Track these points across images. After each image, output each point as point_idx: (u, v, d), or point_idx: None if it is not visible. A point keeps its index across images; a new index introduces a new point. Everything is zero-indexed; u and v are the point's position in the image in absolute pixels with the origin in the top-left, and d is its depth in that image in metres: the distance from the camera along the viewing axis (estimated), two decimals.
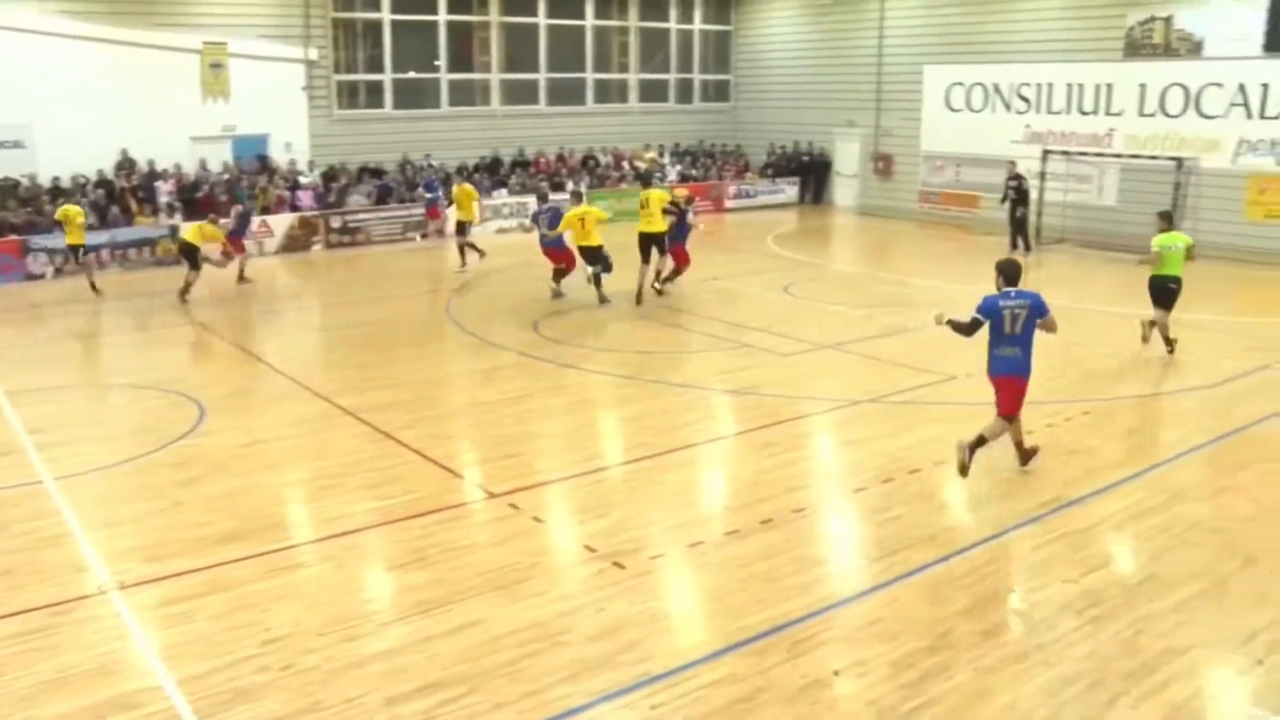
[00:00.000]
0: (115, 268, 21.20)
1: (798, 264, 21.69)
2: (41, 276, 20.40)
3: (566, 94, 31.01)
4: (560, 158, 29.69)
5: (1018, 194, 23.09)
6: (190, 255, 17.97)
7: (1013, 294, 9.23)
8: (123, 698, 6.19)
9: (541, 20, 30.02)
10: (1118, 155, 24.05)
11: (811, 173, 31.85)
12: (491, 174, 27.93)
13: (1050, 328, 9.44)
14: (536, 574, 7.73)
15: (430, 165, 26.86)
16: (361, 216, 24.75)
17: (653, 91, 32.94)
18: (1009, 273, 9.35)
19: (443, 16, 28.14)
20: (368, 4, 27.15)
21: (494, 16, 29.14)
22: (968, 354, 14.14)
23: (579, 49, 31.08)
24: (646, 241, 17.52)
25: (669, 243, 17.76)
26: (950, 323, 9.34)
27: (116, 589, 7.52)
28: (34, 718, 6.01)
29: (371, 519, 8.78)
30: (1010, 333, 9.24)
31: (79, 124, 22.51)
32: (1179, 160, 22.63)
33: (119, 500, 9.34)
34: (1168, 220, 14.48)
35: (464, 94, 29.04)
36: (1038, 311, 9.28)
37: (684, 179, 29.81)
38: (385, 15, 27.23)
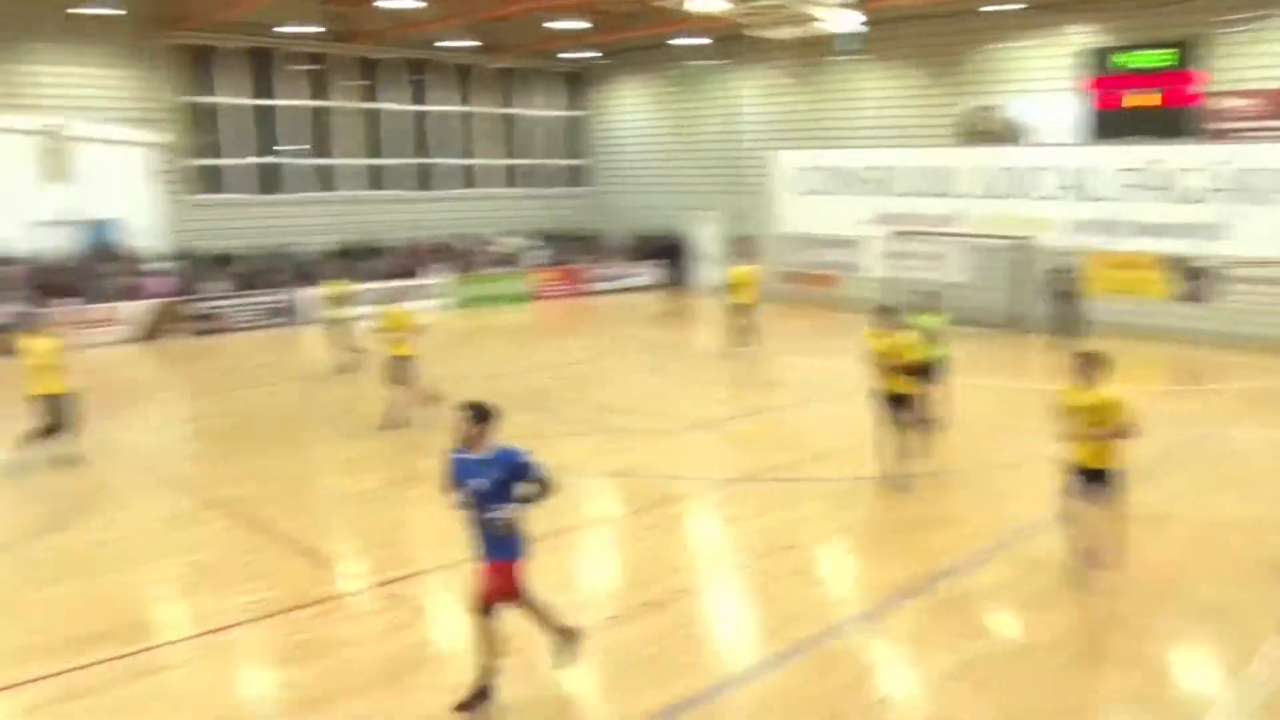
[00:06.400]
0: None
1: (662, 345, 21.99)
2: None
3: (429, 179, 31.10)
4: (424, 244, 29.55)
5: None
6: None
7: None
8: None
9: (403, 107, 30.17)
10: (964, 235, 25.12)
11: (673, 255, 32.40)
12: (365, 259, 27.37)
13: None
14: (424, 665, 7.58)
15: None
16: (220, 303, 24.22)
17: (513, 177, 33.27)
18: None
19: (303, 101, 28.06)
20: (227, 89, 26.88)
21: (354, 102, 29.15)
22: (833, 432, 14.54)
23: (441, 134, 31.27)
24: None
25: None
26: None
27: None
28: None
29: (245, 614, 8.47)
30: None
31: None
32: (1019, 239, 23.79)
33: None
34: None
35: (323, 179, 28.93)
36: None
37: (553, 263, 30.14)
38: (242, 100, 27.02)
